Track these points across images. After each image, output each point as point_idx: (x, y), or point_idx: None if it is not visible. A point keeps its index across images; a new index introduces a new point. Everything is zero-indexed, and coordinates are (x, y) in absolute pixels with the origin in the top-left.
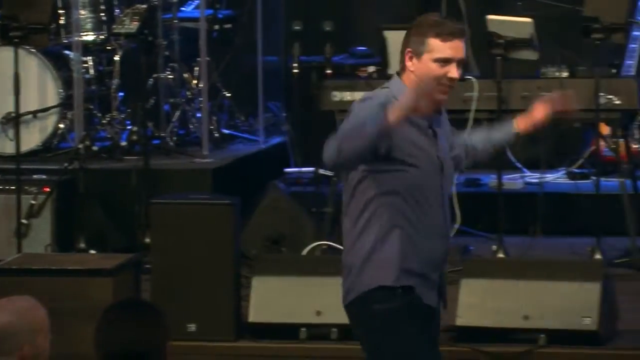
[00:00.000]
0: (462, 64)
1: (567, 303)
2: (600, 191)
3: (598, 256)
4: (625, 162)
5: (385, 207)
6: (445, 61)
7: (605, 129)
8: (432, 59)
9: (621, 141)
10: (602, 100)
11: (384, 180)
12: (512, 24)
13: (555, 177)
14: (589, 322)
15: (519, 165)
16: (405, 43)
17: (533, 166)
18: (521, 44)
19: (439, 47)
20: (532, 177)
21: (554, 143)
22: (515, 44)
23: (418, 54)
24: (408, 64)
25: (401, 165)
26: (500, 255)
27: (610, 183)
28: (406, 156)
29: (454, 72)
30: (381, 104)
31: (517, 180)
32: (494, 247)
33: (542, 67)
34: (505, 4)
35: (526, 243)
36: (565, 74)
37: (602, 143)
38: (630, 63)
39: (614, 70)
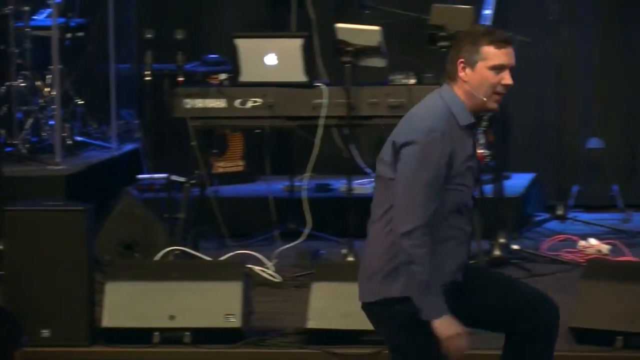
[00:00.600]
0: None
1: None
2: None
3: None
4: None
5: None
6: (500, 68)
7: None
8: (488, 66)
9: None
10: None
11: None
12: (361, 32)
13: None
14: None
15: (368, 170)
16: (456, 53)
17: None
18: (369, 51)
19: (494, 54)
20: None
21: None
22: (364, 51)
23: (472, 63)
24: (461, 74)
25: (458, 186)
26: (350, 258)
27: None
28: (464, 180)
29: (508, 79)
30: (443, 138)
31: (367, 184)
32: (344, 251)
33: (390, 74)
34: (354, 13)
35: None
36: (412, 81)
37: None
38: None
39: None
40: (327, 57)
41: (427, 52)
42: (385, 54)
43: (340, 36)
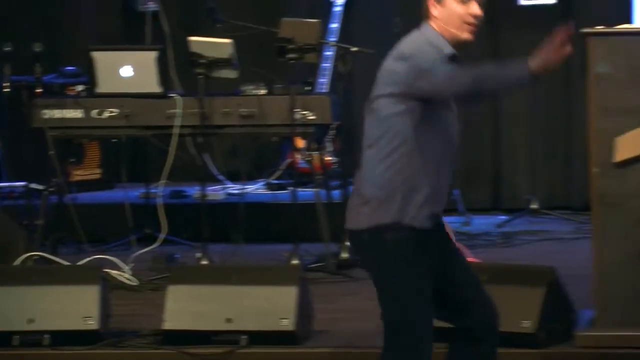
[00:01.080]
0: (482, 4)
1: (266, 305)
2: (297, 201)
3: (295, 261)
4: (319, 174)
5: (419, 150)
6: (466, 1)
7: (300, 143)
8: (456, 0)
9: (315, 154)
10: (297, 116)
11: (428, 126)
12: (213, 44)
13: (255, 188)
14: (286, 322)
15: (221, 177)
16: None
17: (234, 178)
18: (222, 63)
19: None
20: (234, 188)
21: (254, 156)
22: (216, 63)
23: (440, 0)
24: (433, 11)
25: (443, 109)
26: (205, 262)
27: (306, 193)
28: (448, 107)
29: (476, 9)
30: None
31: (220, 191)
32: (199, 255)
33: (242, 85)
34: (206, 27)
35: (229, 250)
36: (262, 91)
37: (297, 156)
38: (323, 81)
39: (308, 88)
40: (181, 69)
41: (276, 63)
42: (237, 65)
43: (194, 49)
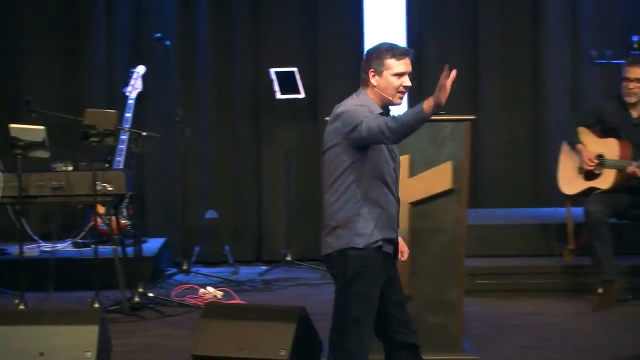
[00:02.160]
0: (411, 78)
1: (73, 341)
2: (98, 256)
3: (97, 305)
4: (116, 234)
5: (365, 190)
6: (400, 74)
7: (101, 209)
8: (391, 74)
9: (113, 218)
10: (98, 188)
11: (365, 166)
12: (29, 130)
13: (64, 246)
14: (89, 355)
15: (36, 237)
16: (367, 65)
17: (47, 238)
18: (36, 145)
19: (395, 64)
20: (46, 246)
21: (63, 220)
22: (32, 145)
23: (379, 72)
24: (372, 80)
25: (377, 157)
26: (22, 307)
27: (106, 249)
28: (383, 153)
29: (407, 81)
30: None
31: (35, 249)
32: (17, 301)
33: (53, 162)
34: (24, 115)
35: (42, 297)
36: (70, 168)
37: (99, 220)
38: (119, 159)
39: (107, 165)
40: (2, 150)
41: (81, 145)
42: (49, 147)
43: (13, 134)
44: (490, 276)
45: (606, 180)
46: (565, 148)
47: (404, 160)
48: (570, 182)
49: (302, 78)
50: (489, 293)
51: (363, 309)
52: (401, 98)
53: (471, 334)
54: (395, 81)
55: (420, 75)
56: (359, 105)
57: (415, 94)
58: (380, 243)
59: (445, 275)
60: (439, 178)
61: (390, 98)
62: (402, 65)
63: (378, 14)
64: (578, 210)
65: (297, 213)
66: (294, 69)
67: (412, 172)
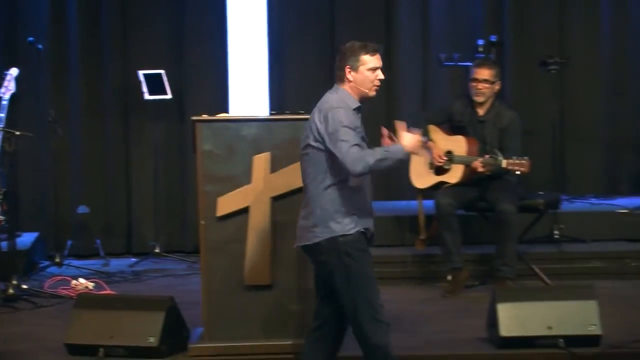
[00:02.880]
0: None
1: None
2: None
3: None
4: None
5: (343, 184)
6: (374, 69)
7: None
8: (367, 69)
9: None
10: None
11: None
12: None
13: None
14: None
15: None
16: (343, 62)
17: None
18: None
19: (369, 60)
20: None
21: None
22: None
23: (355, 68)
24: (348, 76)
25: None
26: None
27: None
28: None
29: (381, 75)
30: (346, 110)
31: None
32: None
33: None
34: None
35: None
36: None
37: None
38: None
39: None
40: None
41: None
42: None
43: None
44: None
45: (455, 174)
46: None
47: (265, 157)
48: (421, 176)
49: (169, 79)
50: None
51: (371, 287)
52: (376, 90)
53: None
54: (371, 75)
55: (282, 77)
56: (340, 102)
57: (275, 93)
58: (362, 229)
59: (305, 265)
60: (298, 174)
61: (367, 91)
62: (375, 60)
63: (241, 17)
64: (429, 203)
65: (165, 208)
66: (161, 71)
67: (273, 169)
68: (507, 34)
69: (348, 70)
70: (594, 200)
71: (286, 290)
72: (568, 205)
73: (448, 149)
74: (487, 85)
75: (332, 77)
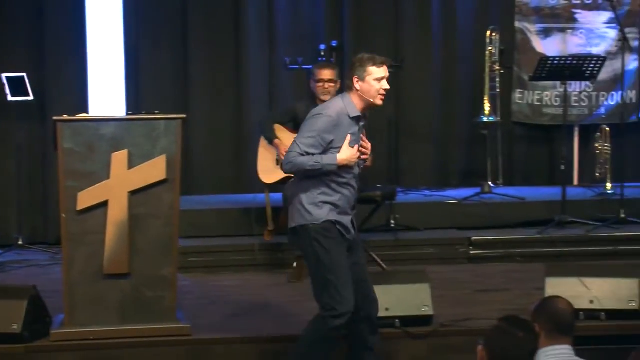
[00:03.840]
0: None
1: None
2: None
3: None
4: None
5: (320, 179)
6: (380, 79)
7: None
8: (373, 79)
9: None
10: None
11: None
12: None
13: None
14: None
15: None
16: (351, 73)
17: None
18: None
19: (376, 71)
20: None
21: None
22: None
23: (362, 78)
24: (356, 85)
25: (335, 150)
26: None
27: None
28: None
29: (386, 85)
30: (331, 119)
31: None
32: None
33: None
34: None
35: None
36: None
37: None
38: None
39: None
40: None
41: None
42: None
43: None
44: (200, 254)
45: None
46: (263, 143)
47: (123, 154)
48: (268, 172)
49: (30, 82)
50: (198, 269)
51: (337, 274)
52: (382, 99)
53: (184, 306)
54: (376, 85)
55: (137, 78)
56: (339, 107)
57: (131, 94)
58: (334, 220)
59: (161, 254)
60: (154, 170)
61: (372, 100)
62: (381, 71)
63: (98, 20)
64: (277, 196)
65: (28, 202)
66: (23, 74)
67: (131, 165)
68: (347, 38)
69: (356, 80)
70: (426, 192)
71: (143, 278)
72: (403, 197)
73: None
74: (332, 85)
75: (186, 78)
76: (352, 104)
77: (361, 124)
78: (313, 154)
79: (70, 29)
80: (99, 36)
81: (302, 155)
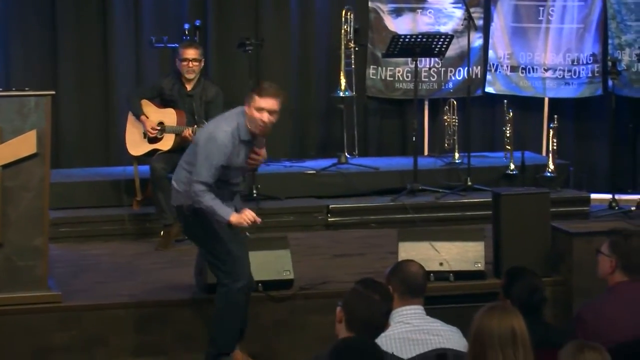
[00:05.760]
0: (275, 114)
1: None
2: None
3: None
4: None
5: None
6: (260, 110)
7: None
8: (254, 107)
9: None
10: None
11: None
12: None
13: None
14: None
15: None
16: (247, 99)
17: None
18: None
19: (257, 100)
20: None
21: None
22: None
23: (249, 104)
24: (246, 109)
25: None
26: None
27: None
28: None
29: (265, 117)
30: (226, 149)
31: None
32: None
33: None
34: None
35: None
36: None
37: None
38: None
39: None
40: None
41: None
42: None
43: None
44: (70, 225)
45: (167, 143)
46: (131, 118)
47: None
48: (136, 145)
49: None
50: (69, 239)
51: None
52: (260, 130)
53: (55, 274)
54: (256, 114)
55: (7, 55)
56: (232, 125)
57: (1, 71)
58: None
59: (32, 225)
60: (25, 144)
61: (253, 128)
62: (263, 102)
63: None
64: (144, 168)
65: None
66: None
67: (2, 140)
68: (210, 18)
69: (246, 105)
70: (286, 163)
71: (14, 248)
72: (264, 168)
73: (160, 120)
74: (196, 64)
75: (55, 54)
76: (245, 126)
77: (251, 143)
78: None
79: None
80: None
81: (207, 188)
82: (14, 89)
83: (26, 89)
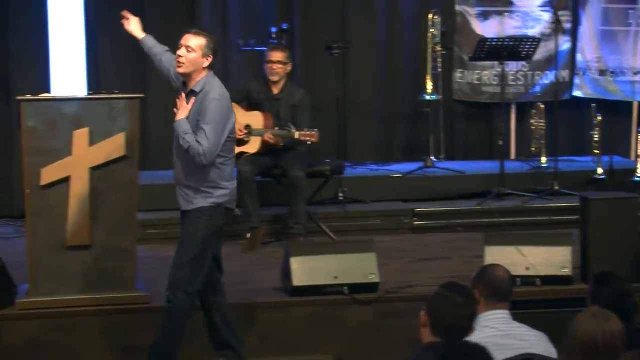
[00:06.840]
0: (189, 49)
1: None
2: None
3: None
4: None
5: None
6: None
7: None
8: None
9: None
10: None
11: None
12: None
13: None
14: None
15: None
16: None
17: None
18: None
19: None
20: None
21: None
22: None
23: None
24: None
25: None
26: None
27: None
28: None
29: (178, 52)
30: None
31: None
32: None
33: None
34: None
35: None
36: None
37: None
38: None
39: None
40: None
41: None
42: None
43: None
44: (157, 227)
45: (253, 146)
46: None
47: (84, 132)
48: None
49: None
50: (155, 241)
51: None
52: (178, 66)
53: (142, 276)
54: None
55: (98, 59)
56: (221, 95)
57: (92, 74)
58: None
59: (121, 227)
60: (114, 147)
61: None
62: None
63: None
64: None
65: None
66: None
67: (92, 142)
68: (297, 21)
69: None
70: (372, 167)
71: (103, 250)
72: (351, 171)
73: (247, 123)
74: (280, 66)
75: (145, 58)
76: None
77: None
78: None
79: (32, 9)
80: (61, 17)
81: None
82: (103, 91)
83: (115, 92)
